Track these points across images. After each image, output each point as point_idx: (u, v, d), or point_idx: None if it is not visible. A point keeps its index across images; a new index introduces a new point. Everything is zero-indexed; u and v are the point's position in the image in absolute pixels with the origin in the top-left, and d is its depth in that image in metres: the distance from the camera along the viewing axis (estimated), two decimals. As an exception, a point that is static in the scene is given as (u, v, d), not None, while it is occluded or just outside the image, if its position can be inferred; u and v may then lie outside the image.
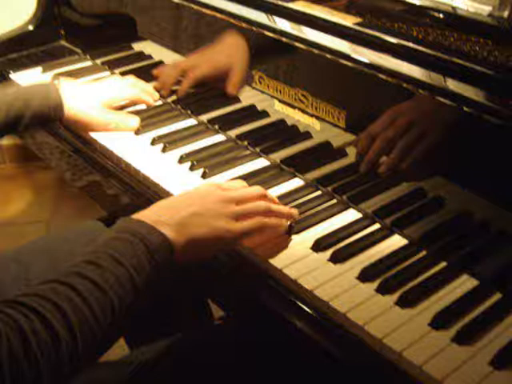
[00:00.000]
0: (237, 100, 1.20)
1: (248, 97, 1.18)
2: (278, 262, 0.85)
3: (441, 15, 0.99)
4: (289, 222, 0.90)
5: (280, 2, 1.09)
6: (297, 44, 1.02)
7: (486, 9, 0.95)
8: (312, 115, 1.05)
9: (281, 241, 0.89)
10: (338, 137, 1.02)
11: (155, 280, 0.73)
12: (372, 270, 0.83)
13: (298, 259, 0.86)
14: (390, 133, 0.92)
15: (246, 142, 1.12)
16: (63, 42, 1.59)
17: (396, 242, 0.90)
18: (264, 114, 1.16)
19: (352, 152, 1.01)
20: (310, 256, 0.87)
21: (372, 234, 0.91)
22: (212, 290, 1.04)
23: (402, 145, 0.91)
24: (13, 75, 1.42)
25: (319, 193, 1.00)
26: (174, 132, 1.17)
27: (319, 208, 0.96)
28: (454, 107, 0.83)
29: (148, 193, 1.05)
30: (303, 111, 1.07)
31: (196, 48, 1.24)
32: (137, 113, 1.21)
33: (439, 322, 0.76)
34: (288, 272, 0.83)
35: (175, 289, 1.09)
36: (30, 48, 1.54)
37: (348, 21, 1.00)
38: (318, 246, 0.88)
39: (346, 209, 0.96)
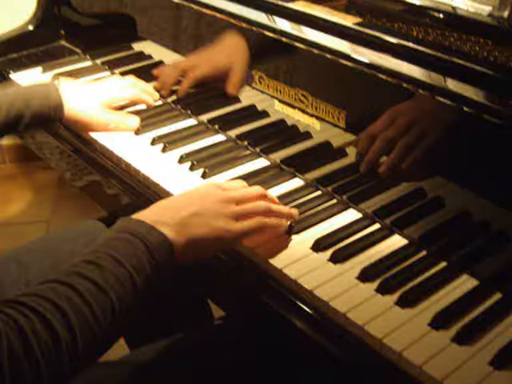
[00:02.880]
0: (237, 100, 1.20)
1: (248, 97, 1.18)
2: (278, 262, 0.85)
3: (441, 15, 0.99)
4: (289, 222, 0.90)
5: (280, 2, 1.09)
6: (297, 44, 1.02)
7: (486, 9, 0.95)
8: (312, 115, 1.05)
9: (281, 241, 0.89)
10: (338, 137, 1.02)
11: (155, 280, 0.73)
12: (372, 269, 0.83)
13: (298, 259, 0.86)
14: (389, 133, 0.92)
15: (246, 142, 1.12)
16: (63, 42, 1.59)
17: (396, 241, 0.90)
18: (264, 114, 1.16)
19: (352, 152, 1.01)
20: (310, 256, 0.87)
21: (372, 234, 0.91)
22: (212, 290, 1.04)
23: (401, 145, 0.91)
24: (13, 75, 1.41)
25: (319, 193, 1.00)
26: (174, 132, 1.17)
27: (319, 208, 0.96)
28: (453, 107, 0.83)
29: (148, 193, 1.05)
30: (303, 111, 1.07)
31: (196, 48, 1.24)
32: (137, 113, 1.21)
33: (439, 322, 0.76)
34: (288, 272, 0.83)
35: (175, 289, 1.09)
36: (29, 48, 1.54)
37: (348, 21, 1.00)
38: (318, 246, 0.88)
39: (345, 209, 0.96)
